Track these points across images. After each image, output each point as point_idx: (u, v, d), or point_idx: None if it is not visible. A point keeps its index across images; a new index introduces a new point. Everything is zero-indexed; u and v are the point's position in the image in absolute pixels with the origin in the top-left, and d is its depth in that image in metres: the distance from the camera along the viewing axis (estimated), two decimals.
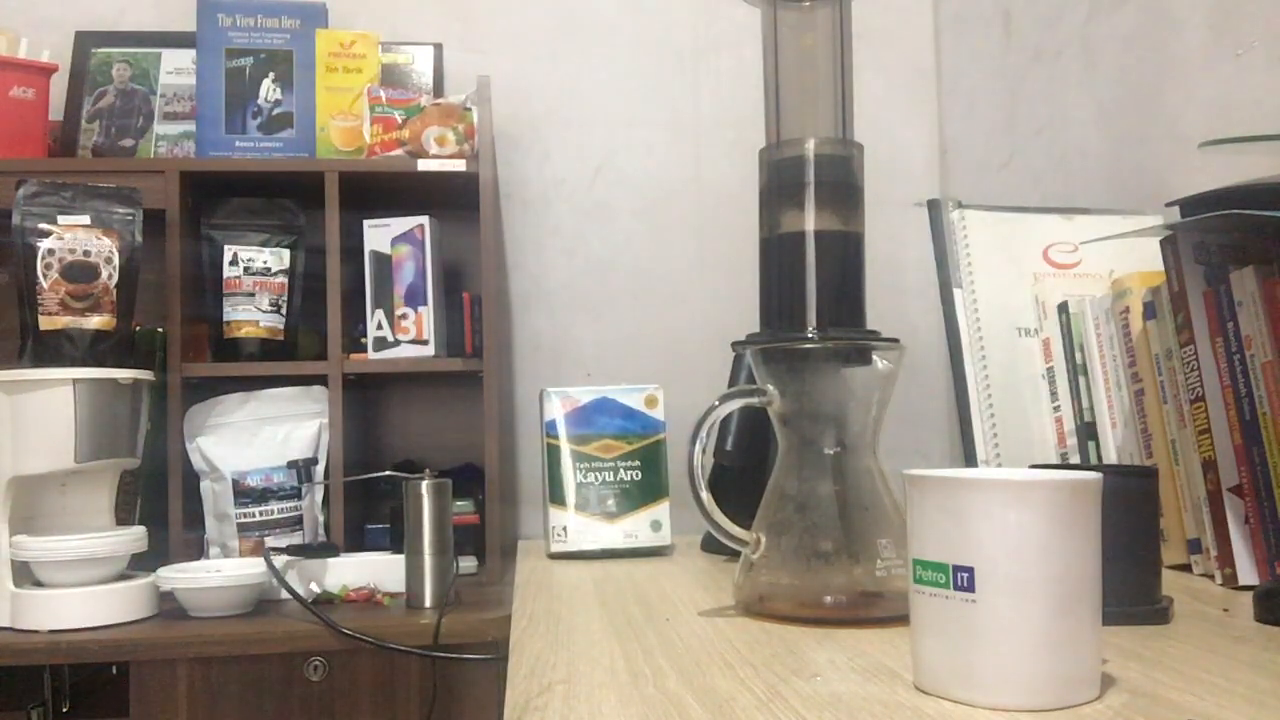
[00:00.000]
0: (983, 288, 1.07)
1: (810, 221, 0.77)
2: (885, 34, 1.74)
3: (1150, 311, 0.92)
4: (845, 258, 0.80)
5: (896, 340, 0.74)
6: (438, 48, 1.63)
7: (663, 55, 1.71)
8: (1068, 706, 0.48)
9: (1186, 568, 0.86)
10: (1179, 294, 0.85)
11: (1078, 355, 1.03)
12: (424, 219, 1.39)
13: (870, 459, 0.73)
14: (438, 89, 1.60)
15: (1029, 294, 1.07)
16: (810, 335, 0.78)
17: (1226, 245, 0.84)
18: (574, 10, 1.71)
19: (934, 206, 1.11)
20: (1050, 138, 1.42)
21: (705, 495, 0.73)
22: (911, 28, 1.75)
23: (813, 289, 0.78)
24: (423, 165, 1.38)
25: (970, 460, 1.05)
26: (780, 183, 0.81)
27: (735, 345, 0.86)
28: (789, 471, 0.74)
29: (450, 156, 1.39)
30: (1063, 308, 1.04)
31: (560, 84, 1.70)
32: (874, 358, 0.72)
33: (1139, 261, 0.99)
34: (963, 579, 0.48)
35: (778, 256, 0.82)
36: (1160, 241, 0.87)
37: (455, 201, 1.49)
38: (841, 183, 0.80)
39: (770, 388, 0.73)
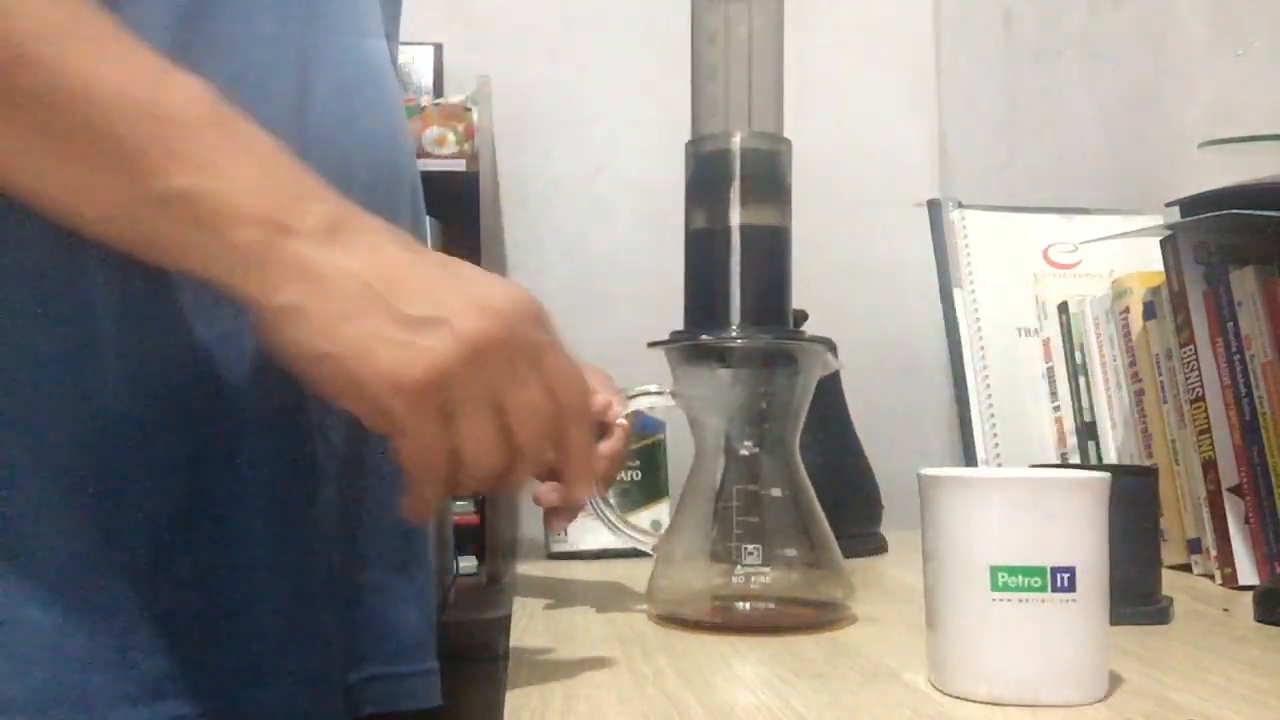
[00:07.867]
0: (983, 288, 1.07)
1: (735, 217, 0.75)
2: (885, 34, 1.74)
3: (1150, 311, 0.91)
4: (770, 255, 0.77)
5: (819, 340, 0.73)
6: (438, 48, 1.62)
7: (663, 55, 1.71)
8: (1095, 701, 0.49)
9: (1186, 568, 0.86)
10: (1179, 294, 0.85)
11: (1078, 355, 1.03)
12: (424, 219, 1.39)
13: (791, 458, 0.72)
14: (438, 89, 1.59)
15: (1029, 294, 1.07)
16: (734, 335, 0.74)
17: (1226, 245, 0.84)
18: (574, 10, 1.71)
19: (934, 206, 1.11)
20: (1050, 138, 1.42)
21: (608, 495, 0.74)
22: (911, 28, 1.75)
23: (736, 286, 0.75)
24: (422, 165, 1.38)
25: (970, 460, 1.05)
26: (705, 176, 0.80)
27: (651, 344, 0.83)
28: (704, 472, 0.73)
29: (450, 157, 1.39)
30: (1063, 308, 1.04)
31: (560, 84, 1.69)
32: (795, 357, 0.71)
33: (1139, 261, 0.99)
34: (1063, 580, 0.48)
35: (701, 252, 0.81)
36: (1160, 241, 0.87)
37: (455, 201, 1.49)
38: (768, 178, 0.78)
39: (682, 387, 0.72)
